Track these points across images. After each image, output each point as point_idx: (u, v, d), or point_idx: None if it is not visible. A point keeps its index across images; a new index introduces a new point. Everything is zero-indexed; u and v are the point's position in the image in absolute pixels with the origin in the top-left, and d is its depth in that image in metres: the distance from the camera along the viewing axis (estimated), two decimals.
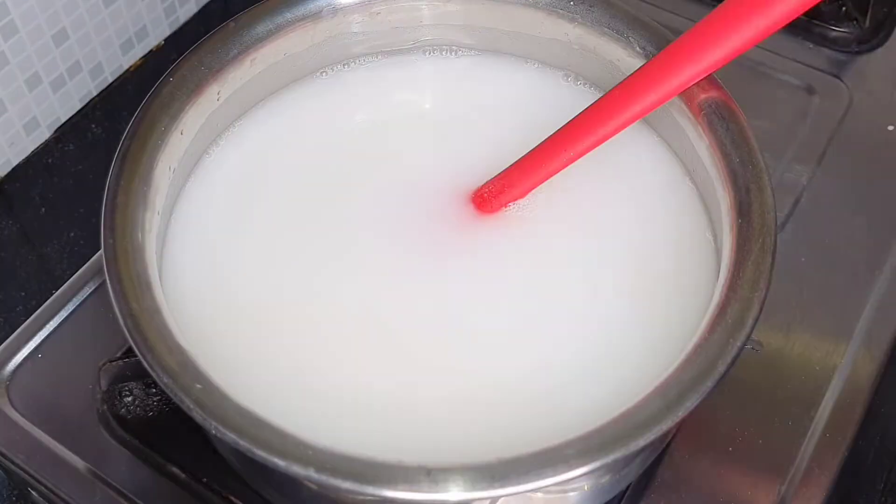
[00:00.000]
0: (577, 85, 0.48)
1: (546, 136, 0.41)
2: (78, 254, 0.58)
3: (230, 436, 0.32)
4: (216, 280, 0.42)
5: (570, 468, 0.32)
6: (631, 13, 0.44)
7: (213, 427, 0.32)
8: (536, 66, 0.49)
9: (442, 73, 0.49)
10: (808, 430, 0.44)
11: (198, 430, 0.41)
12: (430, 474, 0.31)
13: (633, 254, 0.42)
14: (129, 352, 0.46)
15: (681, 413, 0.33)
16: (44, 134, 0.63)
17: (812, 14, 0.57)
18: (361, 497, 0.32)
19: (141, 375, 0.44)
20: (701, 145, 0.41)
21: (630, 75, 0.39)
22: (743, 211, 0.38)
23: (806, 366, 0.47)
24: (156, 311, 0.36)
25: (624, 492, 0.43)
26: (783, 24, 0.36)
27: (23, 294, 0.57)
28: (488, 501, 0.35)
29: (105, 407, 0.45)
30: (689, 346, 0.35)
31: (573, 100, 0.46)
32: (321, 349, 0.40)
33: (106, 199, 0.38)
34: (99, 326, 0.48)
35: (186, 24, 0.70)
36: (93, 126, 0.64)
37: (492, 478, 0.32)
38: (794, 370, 0.46)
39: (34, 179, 0.62)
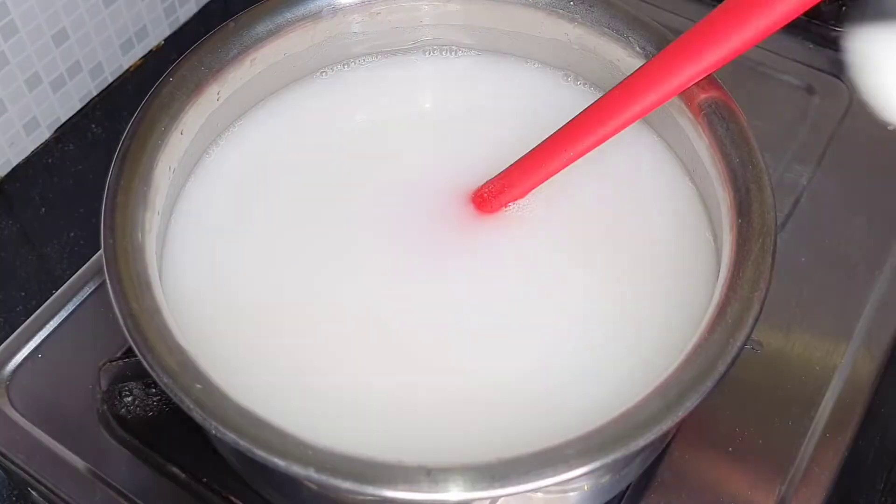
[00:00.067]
0: (577, 85, 0.48)
1: (546, 136, 0.41)
2: (78, 254, 0.58)
3: (230, 436, 0.32)
4: (216, 280, 0.42)
5: (570, 468, 0.32)
6: (631, 13, 0.44)
7: (213, 427, 0.32)
8: (536, 66, 0.49)
9: (442, 73, 0.49)
10: (808, 430, 0.45)
11: (198, 430, 0.41)
12: (430, 474, 0.31)
13: (632, 254, 0.42)
14: (129, 352, 0.46)
15: (681, 413, 0.33)
16: (44, 134, 0.63)
17: (812, 14, 0.57)
18: (361, 497, 0.32)
19: (141, 375, 0.44)
20: (701, 145, 0.41)
21: (630, 75, 0.39)
22: (743, 211, 0.38)
23: (806, 366, 0.47)
24: (156, 311, 0.36)
25: (624, 492, 0.43)
26: (783, 24, 0.36)
27: (23, 294, 0.57)
28: (488, 501, 0.35)
29: (105, 407, 0.45)
30: (689, 346, 0.35)
31: (573, 100, 0.46)
32: (321, 349, 0.40)
33: (106, 198, 0.38)
34: (99, 326, 0.48)
35: (186, 24, 0.70)
36: (93, 126, 0.64)
37: (492, 478, 0.32)
38: (794, 370, 0.46)
39: (34, 179, 0.62)
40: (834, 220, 0.52)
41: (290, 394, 0.38)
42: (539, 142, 0.41)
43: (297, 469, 0.32)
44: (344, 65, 0.48)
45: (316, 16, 0.45)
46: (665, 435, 0.37)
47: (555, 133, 0.41)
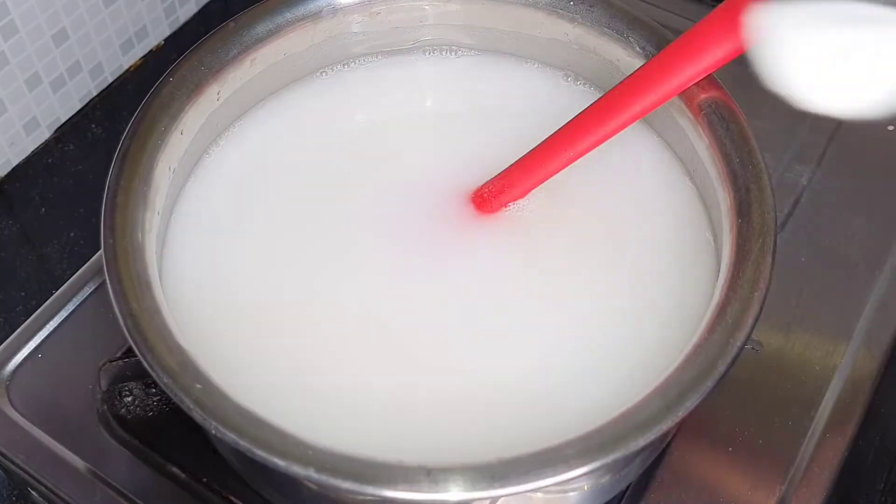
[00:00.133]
0: (577, 85, 0.48)
1: (546, 136, 0.41)
2: (78, 254, 0.58)
3: (230, 436, 0.32)
4: (216, 280, 0.42)
5: (570, 468, 0.32)
6: (631, 13, 0.44)
7: (213, 427, 0.32)
8: (536, 66, 0.49)
9: (442, 73, 0.49)
10: (809, 430, 0.44)
11: (198, 430, 0.41)
12: (430, 474, 0.31)
13: (632, 253, 0.42)
14: (129, 352, 0.46)
15: (681, 413, 0.33)
16: (44, 134, 0.63)
17: None
18: (361, 497, 0.32)
19: (141, 375, 0.44)
20: (701, 145, 0.41)
21: (630, 75, 0.39)
22: (743, 211, 0.38)
23: (806, 366, 0.47)
24: (156, 311, 0.36)
25: (624, 492, 0.43)
26: None
27: (23, 294, 0.57)
28: (488, 501, 0.35)
29: (105, 407, 0.45)
30: (689, 346, 0.35)
31: (573, 100, 0.46)
32: (321, 349, 0.40)
33: (106, 198, 0.38)
34: (99, 326, 0.48)
35: (186, 24, 0.70)
36: (93, 126, 0.64)
37: (492, 478, 0.32)
38: (794, 370, 0.46)
39: (34, 179, 0.62)
40: (834, 220, 0.52)
41: (290, 394, 0.38)
42: (539, 142, 0.41)
43: (297, 469, 0.32)
44: (344, 65, 0.48)
45: (316, 16, 0.45)
46: (665, 435, 0.37)
47: (555, 133, 0.41)
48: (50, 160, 0.63)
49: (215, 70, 0.43)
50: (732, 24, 0.36)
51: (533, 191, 0.43)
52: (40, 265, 0.58)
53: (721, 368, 0.34)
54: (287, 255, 0.43)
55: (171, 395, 0.33)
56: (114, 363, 0.45)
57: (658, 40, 0.43)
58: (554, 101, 0.47)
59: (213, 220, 0.43)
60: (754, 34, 0.34)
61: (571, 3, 0.45)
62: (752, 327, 0.35)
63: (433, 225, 0.43)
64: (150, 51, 0.68)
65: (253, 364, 0.39)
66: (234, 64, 0.44)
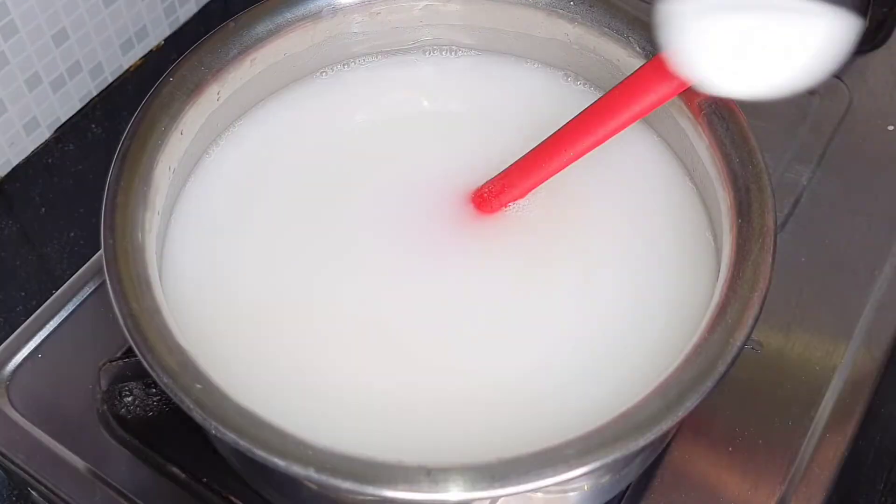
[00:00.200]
0: (577, 85, 0.48)
1: (546, 136, 0.41)
2: (78, 254, 0.58)
3: (230, 436, 0.32)
4: (216, 280, 0.42)
5: (570, 468, 0.32)
6: (631, 13, 0.44)
7: (213, 427, 0.32)
8: (536, 66, 0.48)
9: (442, 73, 0.49)
10: (809, 430, 0.44)
11: (198, 430, 0.41)
12: (430, 474, 0.31)
13: (632, 254, 0.42)
14: (129, 352, 0.46)
15: (681, 413, 0.33)
16: (44, 134, 0.63)
17: None
18: (361, 497, 0.32)
19: (141, 375, 0.44)
20: (701, 145, 0.41)
21: (630, 75, 0.39)
22: (743, 211, 0.38)
23: (806, 366, 0.47)
24: (156, 311, 0.36)
25: (624, 492, 0.43)
26: None
27: (23, 294, 0.57)
28: (488, 501, 0.35)
29: (105, 407, 0.45)
30: (689, 346, 0.35)
31: (573, 100, 0.46)
32: (321, 349, 0.40)
33: (106, 198, 0.38)
34: (99, 326, 0.48)
35: (186, 24, 0.70)
36: (93, 126, 0.64)
37: (492, 478, 0.32)
38: (794, 370, 0.46)
39: (34, 179, 0.62)
40: (834, 221, 0.52)
41: (290, 394, 0.38)
42: (539, 142, 0.41)
43: (297, 469, 0.32)
44: (344, 65, 0.48)
45: (316, 16, 0.45)
46: (665, 435, 0.37)
47: (555, 133, 0.41)
48: (50, 160, 0.63)
49: (215, 70, 0.43)
50: None
51: (533, 191, 0.43)
52: (40, 265, 0.58)
53: (721, 368, 0.34)
54: (287, 255, 0.42)
55: (170, 395, 0.33)
56: (114, 363, 0.45)
57: (658, 40, 0.43)
58: (554, 101, 0.47)
59: (213, 220, 0.43)
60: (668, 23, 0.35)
61: (571, 3, 0.45)
62: (752, 327, 0.35)
63: (433, 225, 0.43)
64: (150, 51, 0.68)
65: (253, 364, 0.39)
66: (234, 64, 0.44)
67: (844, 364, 0.47)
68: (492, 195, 0.43)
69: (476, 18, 0.48)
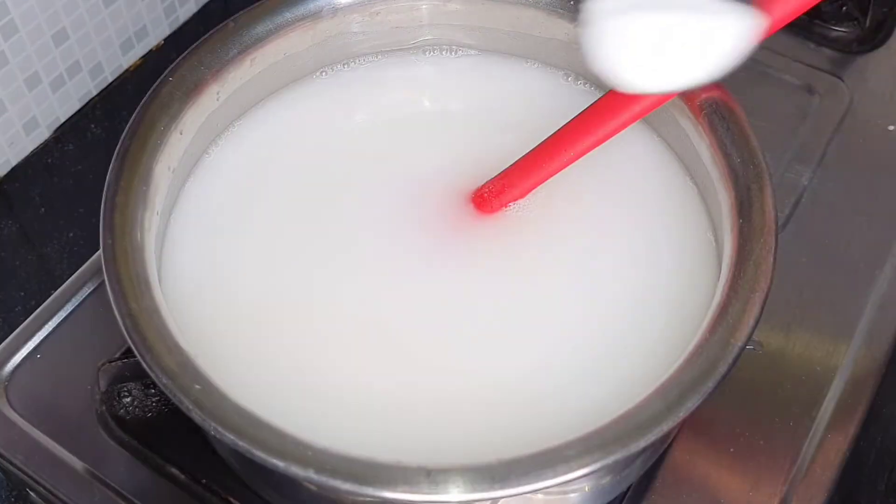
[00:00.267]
0: (577, 85, 0.48)
1: (546, 136, 0.41)
2: (77, 254, 0.58)
3: (229, 437, 0.32)
4: (216, 280, 0.41)
5: (571, 469, 0.32)
6: None
7: (212, 428, 0.32)
8: (536, 66, 0.48)
9: (442, 73, 0.49)
10: (810, 431, 0.44)
11: (197, 431, 0.41)
12: (429, 475, 0.31)
13: (633, 254, 0.42)
14: (128, 352, 0.45)
15: (681, 414, 0.33)
16: (43, 134, 0.63)
17: (813, 14, 0.57)
18: (361, 498, 0.32)
19: (140, 376, 0.44)
20: (701, 145, 0.41)
21: None
22: (744, 211, 0.38)
23: (807, 366, 0.46)
24: (155, 312, 0.36)
25: (625, 493, 0.43)
26: (783, 25, 0.36)
27: (22, 294, 0.56)
28: (489, 502, 0.35)
29: (104, 408, 0.45)
30: (690, 347, 0.35)
31: (573, 100, 0.46)
32: (321, 349, 0.40)
33: (105, 198, 0.38)
34: (98, 326, 0.48)
35: (186, 23, 0.70)
36: (92, 126, 0.64)
37: (492, 479, 0.31)
38: (795, 370, 0.46)
39: (34, 179, 0.62)
40: (835, 220, 0.52)
41: (290, 394, 0.38)
42: (539, 142, 0.41)
43: (296, 470, 0.32)
44: (344, 65, 0.48)
45: (316, 16, 0.45)
46: (666, 436, 0.37)
47: (555, 133, 0.41)
48: (49, 160, 0.62)
49: (215, 70, 0.43)
50: None
51: (533, 191, 0.42)
52: (40, 265, 0.58)
53: (722, 369, 0.34)
54: (287, 254, 0.42)
55: (169, 395, 0.33)
56: (113, 363, 0.45)
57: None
58: (554, 101, 0.47)
59: (213, 220, 0.43)
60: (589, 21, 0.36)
61: (571, 2, 0.45)
62: (754, 328, 0.35)
63: (433, 225, 0.43)
64: (150, 50, 0.68)
65: (252, 364, 0.39)
66: (234, 64, 0.44)
67: (845, 364, 0.46)
68: (492, 195, 0.43)
69: (476, 18, 0.47)
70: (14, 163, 0.62)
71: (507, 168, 0.42)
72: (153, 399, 0.44)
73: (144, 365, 0.34)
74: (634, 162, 0.45)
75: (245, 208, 0.44)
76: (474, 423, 0.37)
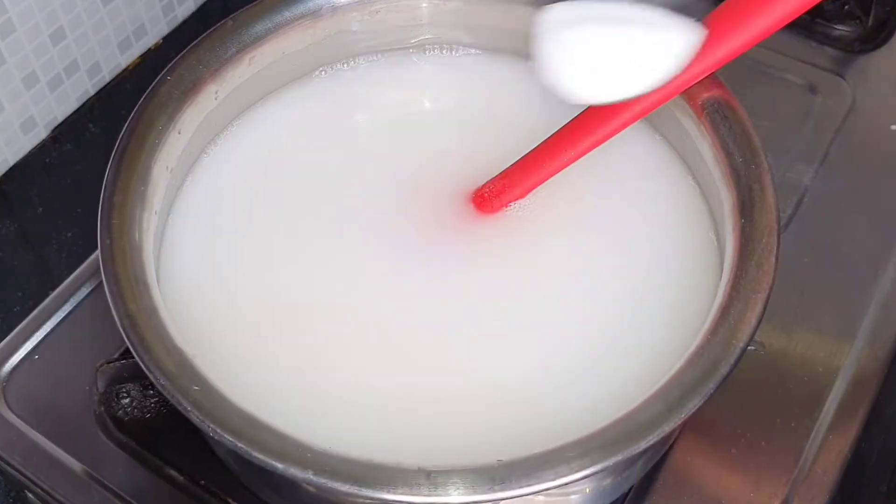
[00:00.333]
0: None
1: (546, 136, 0.41)
2: (76, 254, 0.58)
3: (228, 438, 0.32)
4: (215, 280, 0.41)
5: (572, 471, 0.32)
6: None
7: (211, 429, 0.32)
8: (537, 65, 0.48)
9: (442, 72, 0.49)
10: (812, 432, 0.44)
11: (196, 432, 0.41)
12: (429, 477, 0.31)
13: (634, 254, 0.42)
14: (127, 353, 0.45)
15: (683, 415, 0.33)
16: (41, 133, 0.63)
17: (815, 13, 0.57)
18: (360, 500, 0.32)
19: (138, 377, 0.44)
20: (703, 144, 0.41)
21: None
22: (746, 211, 0.38)
23: (809, 366, 0.46)
24: (153, 312, 0.35)
25: (626, 494, 0.43)
26: (785, 23, 0.36)
27: (20, 294, 0.56)
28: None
29: (102, 409, 0.45)
30: (692, 347, 0.35)
31: None
32: (320, 349, 0.40)
33: (103, 198, 0.38)
34: (96, 327, 0.47)
35: (185, 22, 0.70)
36: (90, 125, 0.64)
37: (492, 480, 0.31)
38: (796, 371, 0.46)
39: (32, 179, 0.61)
40: (837, 220, 0.52)
41: (290, 394, 0.38)
42: (539, 142, 0.41)
43: (295, 472, 0.31)
44: (343, 64, 0.48)
45: (315, 14, 0.45)
46: (667, 437, 0.37)
47: (555, 133, 0.41)
48: (48, 160, 0.62)
49: (213, 69, 0.43)
50: (734, 22, 0.36)
51: (533, 191, 0.42)
52: (38, 265, 0.58)
53: (724, 370, 0.34)
54: (286, 254, 0.42)
55: (168, 396, 0.33)
56: (111, 364, 0.45)
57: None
58: (554, 100, 0.47)
59: (212, 220, 0.43)
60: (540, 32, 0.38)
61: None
62: (755, 328, 0.35)
63: (433, 225, 0.43)
64: (149, 49, 0.68)
65: (252, 364, 0.39)
66: (233, 63, 0.43)
67: (848, 365, 0.46)
68: (492, 195, 0.43)
69: (476, 17, 0.47)
70: (12, 162, 0.62)
71: (508, 168, 0.42)
72: (152, 400, 0.44)
73: (143, 366, 0.34)
74: (635, 162, 0.45)
75: (244, 208, 0.44)
76: (474, 423, 0.37)
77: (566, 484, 0.32)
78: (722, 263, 0.38)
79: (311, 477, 0.31)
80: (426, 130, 0.47)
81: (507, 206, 0.43)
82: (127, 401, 0.44)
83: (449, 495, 0.31)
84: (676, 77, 0.37)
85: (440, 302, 0.41)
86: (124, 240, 0.37)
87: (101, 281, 0.36)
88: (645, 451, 0.33)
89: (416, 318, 0.40)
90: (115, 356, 0.46)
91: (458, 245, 0.42)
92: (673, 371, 0.34)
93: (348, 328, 0.40)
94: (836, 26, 0.61)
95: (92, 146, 0.63)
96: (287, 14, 0.44)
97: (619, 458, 0.32)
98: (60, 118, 0.64)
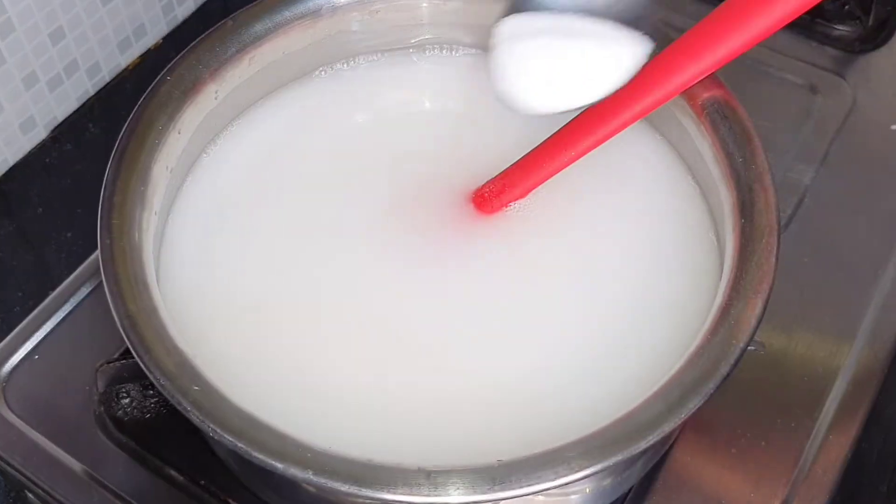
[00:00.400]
0: None
1: (547, 136, 0.41)
2: (76, 254, 0.58)
3: (228, 438, 0.32)
4: (214, 280, 0.41)
5: (572, 471, 0.32)
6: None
7: (211, 429, 0.32)
8: None
9: (441, 71, 0.49)
10: (812, 432, 0.44)
11: (196, 432, 0.41)
12: (429, 477, 0.31)
13: (634, 253, 0.42)
14: (127, 353, 0.45)
15: (683, 415, 0.33)
16: (41, 133, 0.63)
17: (815, 13, 0.57)
18: (361, 500, 0.32)
19: (138, 377, 0.44)
20: (703, 144, 0.41)
21: None
22: (746, 211, 0.38)
23: (809, 367, 0.46)
24: (153, 312, 0.35)
25: (626, 494, 0.43)
26: (785, 23, 0.36)
27: (20, 294, 0.56)
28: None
29: (102, 409, 0.45)
30: (692, 347, 0.35)
31: None
32: (321, 349, 0.39)
33: (103, 198, 0.38)
34: (96, 327, 0.47)
35: (185, 22, 0.70)
36: (90, 125, 0.64)
37: (492, 480, 0.31)
38: (796, 371, 0.46)
39: (32, 179, 0.61)
40: (837, 220, 0.52)
41: (290, 394, 0.38)
42: (539, 141, 0.41)
43: (295, 472, 0.31)
44: (343, 64, 0.48)
45: (315, 14, 0.45)
46: (667, 437, 0.37)
47: (555, 132, 0.41)
48: (47, 160, 0.62)
49: (213, 69, 0.43)
50: (734, 22, 0.36)
51: (534, 190, 0.42)
52: (38, 265, 0.58)
53: (724, 370, 0.34)
54: (286, 254, 0.42)
55: (168, 396, 0.33)
56: (111, 364, 0.45)
57: (660, 39, 0.43)
58: None
59: (211, 220, 0.43)
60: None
61: None
62: (756, 328, 0.35)
63: (433, 225, 0.43)
64: (149, 49, 0.68)
65: (252, 364, 0.39)
66: (233, 63, 0.43)
67: (848, 365, 0.46)
68: (492, 195, 0.43)
69: (475, 17, 0.47)
70: (12, 162, 0.62)
71: (508, 168, 0.42)
72: (152, 400, 0.44)
73: (143, 366, 0.34)
74: (635, 162, 0.45)
75: (244, 208, 0.44)
76: (474, 423, 0.37)
77: (566, 484, 0.32)
78: (722, 263, 0.38)
79: (311, 477, 0.31)
80: (426, 130, 0.47)
81: (507, 206, 0.43)
82: (127, 401, 0.44)
83: (449, 495, 0.31)
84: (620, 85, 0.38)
85: (440, 302, 0.41)
86: (124, 240, 0.37)
87: (101, 281, 0.36)
88: (645, 451, 0.33)
89: (416, 317, 0.40)
90: (115, 356, 0.46)
91: (458, 245, 0.42)
92: (673, 371, 0.34)
93: (348, 328, 0.40)
94: (836, 26, 0.61)
95: (92, 146, 0.63)
96: (287, 14, 0.44)
97: (619, 458, 0.32)
98: (60, 118, 0.64)
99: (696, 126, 0.41)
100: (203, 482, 0.43)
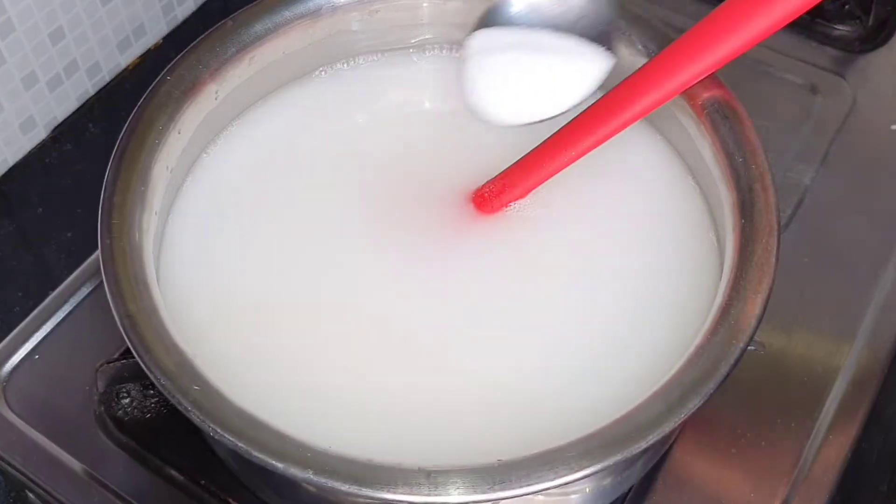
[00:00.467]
0: None
1: (547, 136, 0.41)
2: (76, 254, 0.58)
3: (228, 438, 0.32)
4: (214, 280, 0.41)
5: (572, 471, 0.32)
6: (633, 11, 0.44)
7: (211, 429, 0.32)
8: None
9: (442, 71, 0.49)
10: (812, 432, 0.44)
11: (196, 432, 0.41)
12: (429, 477, 0.31)
13: (634, 254, 0.42)
14: (127, 353, 0.45)
15: (683, 415, 0.33)
16: (41, 133, 0.63)
17: (815, 13, 0.57)
18: (361, 500, 0.32)
19: (138, 377, 0.44)
20: (703, 144, 0.41)
21: (632, 74, 0.39)
22: (746, 211, 0.38)
23: (809, 367, 0.46)
24: (153, 312, 0.35)
25: (626, 494, 0.43)
26: (785, 23, 0.36)
27: (20, 294, 0.56)
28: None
29: (102, 408, 0.45)
30: (692, 347, 0.35)
31: None
32: (320, 349, 0.39)
33: (103, 198, 0.38)
34: (96, 327, 0.47)
35: (185, 22, 0.70)
36: (90, 125, 0.64)
37: (492, 480, 0.31)
38: (796, 371, 0.46)
39: (31, 179, 0.61)
40: (837, 220, 0.52)
41: (290, 394, 0.38)
42: (540, 141, 0.41)
43: (295, 471, 0.31)
44: (343, 64, 0.48)
45: (315, 14, 0.45)
46: (667, 437, 0.37)
47: (555, 132, 0.41)
48: (47, 160, 0.62)
49: (213, 69, 0.43)
50: (734, 22, 0.36)
51: (534, 190, 0.42)
52: (38, 265, 0.58)
53: (724, 370, 0.34)
54: (286, 254, 0.42)
55: (168, 396, 0.33)
56: (111, 364, 0.45)
57: (660, 38, 0.43)
58: None
59: (211, 220, 0.43)
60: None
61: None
62: (755, 329, 0.35)
63: (433, 225, 0.43)
64: (149, 49, 0.68)
65: (252, 364, 0.39)
66: (233, 62, 0.43)
67: (848, 365, 0.46)
68: (492, 195, 0.43)
69: (475, 16, 0.47)
70: (12, 162, 0.61)
71: (508, 168, 0.42)
72: (152, 400, 0.44)
73: (143, 366, 0.34)
74: (635, 161, 0.45)
75: (244, 208, 0.44)
76: (474, 423, 0.37)
77: (566, 484, 0.32)
78: (722, 263, 0.38)
79: (311, 477, 0.31)
80: (426, 130, 0.47)
81: (507, 206, 0.43)
82: (127, 401, 0.44)
83: (449, 495, 0.31)
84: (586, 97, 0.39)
85: (440, 302, 0.41)
86: (124, 240, 0.37)
87: (101, 281, 0.36)
88: (645, 451, 0.33)
89: (417, 317, 0.40)
90: (115, 356, 0.46)
91: (458, 245, 0.42)
92: (673, 371, 0.34)
93: (348, 328, 0.40)
94: (836, 26, 0.61)
95: (92, 146, 0.63)
96: (287, 14, 0.44)
97: (619, 458, 0.32)
98: (60, 118, 0.64)
99: (696, 126, 0.41)
100: (203, 482, 0.43)
